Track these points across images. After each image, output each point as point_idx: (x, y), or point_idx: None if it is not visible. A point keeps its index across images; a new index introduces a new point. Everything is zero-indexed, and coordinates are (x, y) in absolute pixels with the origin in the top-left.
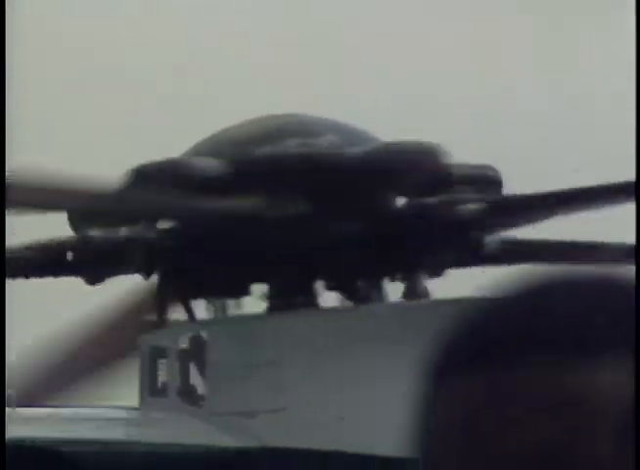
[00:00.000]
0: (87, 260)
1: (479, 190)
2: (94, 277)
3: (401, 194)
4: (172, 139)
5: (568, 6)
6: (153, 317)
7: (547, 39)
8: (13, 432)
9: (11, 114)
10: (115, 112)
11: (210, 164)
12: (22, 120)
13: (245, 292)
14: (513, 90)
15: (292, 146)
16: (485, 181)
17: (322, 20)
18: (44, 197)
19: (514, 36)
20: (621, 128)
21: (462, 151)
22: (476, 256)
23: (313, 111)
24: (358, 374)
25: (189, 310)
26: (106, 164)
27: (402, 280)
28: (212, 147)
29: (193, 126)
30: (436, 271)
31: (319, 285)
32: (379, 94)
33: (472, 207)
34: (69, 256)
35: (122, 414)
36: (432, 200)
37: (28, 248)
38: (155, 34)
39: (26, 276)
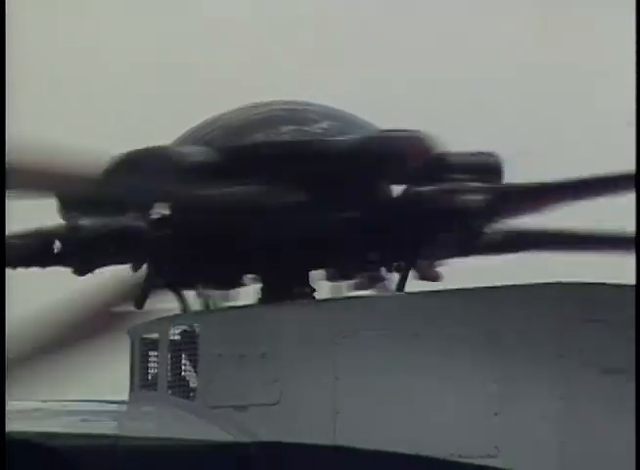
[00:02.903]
0: (76, 251)
1: (479, 178)
2: (83, 268)
3: (397, 182)
4: (163, 125)
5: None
6: (140, 307)
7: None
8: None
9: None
10: (106, 97)
11: (201, 152)
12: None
13: (238, 282)
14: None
15: (286, 133)
16: (486, 168)
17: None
18: (36, 179)
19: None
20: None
21: (464, 138)
22: (476, 244)
23: (307, 97)
24: (354, 366)
25: (180, 301)
26: (96, 149)
27: (400, 268)
28: (206, 133)
29: (184, 113)
30: (436, 259)
31: (316, 274)
32: (376, 79)
33: (472, 194)
34: (58, 245)
35: (112, 408)
36: (429, 188)
37: (17, 236)
38: (145, 21)
39: (14, 267)
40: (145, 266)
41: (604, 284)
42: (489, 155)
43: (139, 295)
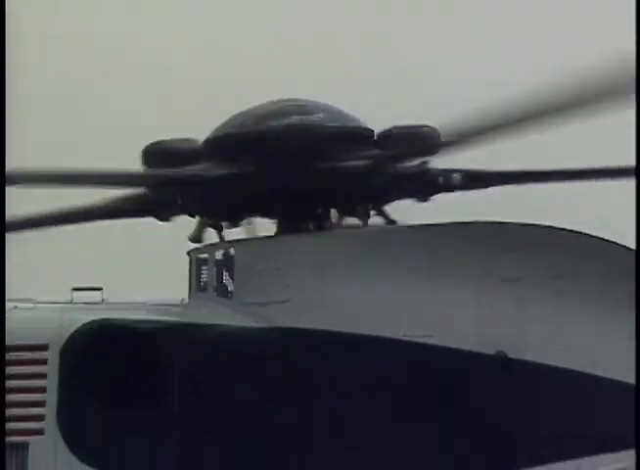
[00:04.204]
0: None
1: (418, 145)
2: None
3: (361, 151)
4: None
5: None
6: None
7: None
8: (74, 317)
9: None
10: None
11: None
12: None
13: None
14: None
15: (295, 120)
16: (424, 137)
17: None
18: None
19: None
20: None
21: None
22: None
23: (309, 95)
24: (344, 272)
25: (221, 234)
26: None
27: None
28: (241, 120)
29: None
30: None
31: (319, 212)
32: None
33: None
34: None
35: (178, 304)
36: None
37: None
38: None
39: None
40: (199, 214)
41: (513, 222)
42: (427, 126)
43: (196, 230)
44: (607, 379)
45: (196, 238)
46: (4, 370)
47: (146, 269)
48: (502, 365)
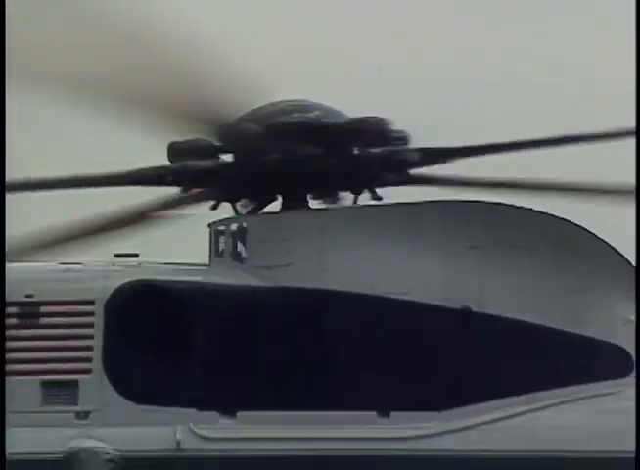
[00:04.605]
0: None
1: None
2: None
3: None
4: None
5: None
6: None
7: None
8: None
9: None
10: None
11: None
12: None
13: (268, 200)
14: None
15: (296, 116)
16: (376, 129)
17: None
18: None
19: None
20: None
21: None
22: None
23: (309, 96)
24: (336, 241)
25: (236, 210)
26: None
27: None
28: (257, 115)
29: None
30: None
31: (308, 193)
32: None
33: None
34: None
35: (200, 268)
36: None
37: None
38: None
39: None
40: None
41: (478, 200)
42: (379, 118)
43: (214, 204)
44: (552, 328)
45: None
46: (4, 371)
47: (174, 239)
48: (466, 317)
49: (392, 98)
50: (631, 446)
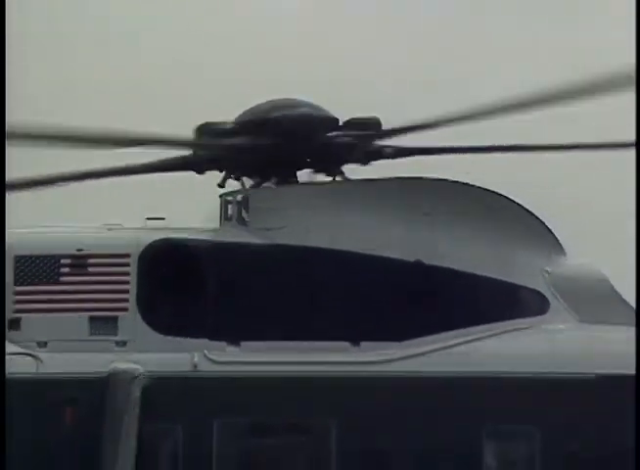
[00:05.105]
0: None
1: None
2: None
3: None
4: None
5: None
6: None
7: None
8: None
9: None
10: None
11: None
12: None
13: (267, 179)
14: None
15: (285, 113)
16: (366, 123)
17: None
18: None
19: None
20: None
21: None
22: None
23: (296, 94)
24: (321, 209)
25: (242, 185)
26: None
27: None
28: (254, 112)
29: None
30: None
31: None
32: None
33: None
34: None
35: (212, 230)
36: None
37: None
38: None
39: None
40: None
41: (434, 177)
42: (372, 117)
43: (222, 181)
44: (485, 276)
45: (222, 185)
46: (4, 370)
47: (193, 206)
48: (419, 269)
49: (392, 98)
50: (546, 367)
